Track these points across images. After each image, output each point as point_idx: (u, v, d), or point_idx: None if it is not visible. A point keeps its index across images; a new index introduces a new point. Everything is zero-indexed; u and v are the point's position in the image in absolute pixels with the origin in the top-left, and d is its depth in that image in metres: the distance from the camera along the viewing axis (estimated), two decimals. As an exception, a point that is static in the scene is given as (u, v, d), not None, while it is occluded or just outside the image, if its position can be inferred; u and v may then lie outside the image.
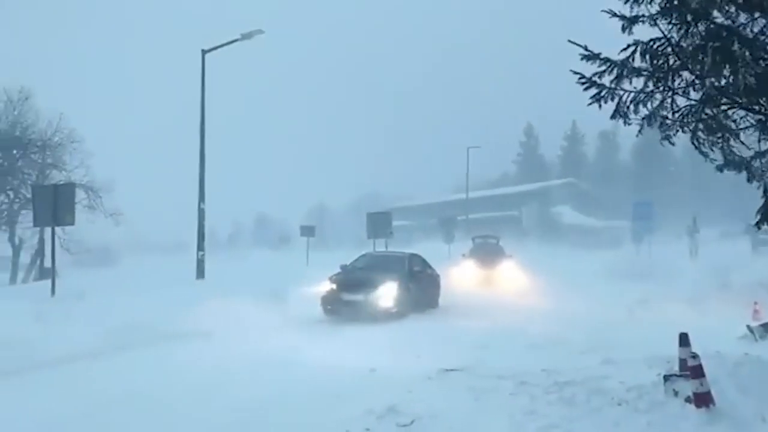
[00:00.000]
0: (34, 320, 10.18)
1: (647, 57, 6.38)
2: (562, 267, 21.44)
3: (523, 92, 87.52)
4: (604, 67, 6.52)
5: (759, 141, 7.03)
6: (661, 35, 6.34)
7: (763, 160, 7.13)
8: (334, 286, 14.05)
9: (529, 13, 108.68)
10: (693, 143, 6.94)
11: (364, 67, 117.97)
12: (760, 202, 6.93)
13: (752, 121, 6.81)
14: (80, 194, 23.43)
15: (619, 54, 6.46)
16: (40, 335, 9.34)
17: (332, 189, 75.97)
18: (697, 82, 6.47)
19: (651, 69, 6.44)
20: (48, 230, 17.02)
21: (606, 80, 6.58)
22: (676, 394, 5.54)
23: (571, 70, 6.61)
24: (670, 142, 7.14)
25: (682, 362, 5.94)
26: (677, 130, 6.91)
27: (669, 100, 6.70)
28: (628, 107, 6.71)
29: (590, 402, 6.00)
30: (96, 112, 65.66)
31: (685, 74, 6.48)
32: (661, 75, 6.48)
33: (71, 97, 51.95)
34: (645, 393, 6.01)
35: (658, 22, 6.36)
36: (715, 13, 6.18)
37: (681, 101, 6.72)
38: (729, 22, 6.22)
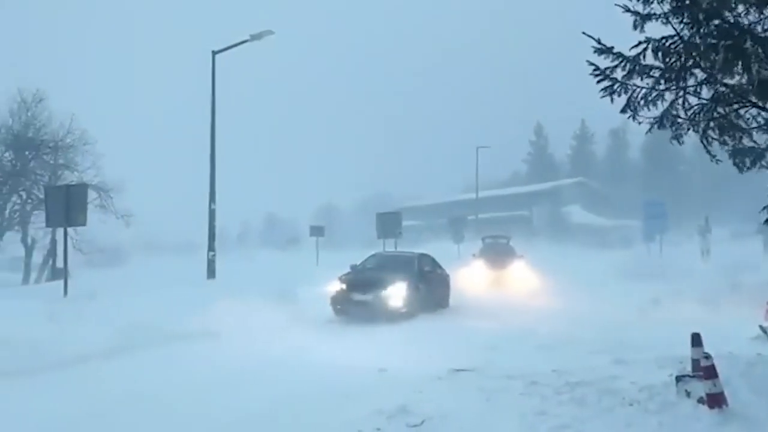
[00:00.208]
0: (47, 320, 10.25)
1: (659, 54, 6.36)
2: (572, 267, 21.35)
3: (533, 91, 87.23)
4: (616, 62, 6.50)
5: None
6: (673, 33, 6.32)
7: None
8: (343, 286, 14.07)
9: (538, 12, 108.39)
10: (702, 142, 6.90)
11: (373, 67, 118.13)
12: None
13: (764, 119, 6.77)
14: (92, 194, 23.56)
15: (630, 50, 6.44)
16: (52, 335, 9.41)
17: (341, 189, 76.08)
18: (709, 80, 6.44)
19: (663, 67, 6.41)
20: (60, 230, 17.13)
21: (618, 74, 6.57)
22: (688, 394, 5.51)
23: (587, 61, 6.58)
24: (679, 142, 7.10)
25: (695, 363, 5.90)
26: (688, 129, 6.87)
27: (680, 99, 6.68)
28: (638, 102, 6.69)
29: (601, 402, 5.98)
30: (106, 113, 66.10)
31: (697, 72, 6.45)
32: (673, 73, 6.45)
33: (82, 97, 52.27)
34: (657, 393, 5.98)
35: (670, 20, 6.33)
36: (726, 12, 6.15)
37: (692, 100, 6.69)
38: (739, 20, 6.18)
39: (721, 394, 5.05)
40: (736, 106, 6.61)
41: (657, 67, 6.40)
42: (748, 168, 7.24)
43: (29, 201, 27.76)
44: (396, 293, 13.67)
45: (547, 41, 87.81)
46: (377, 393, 6.67)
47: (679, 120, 6.81)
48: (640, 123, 6.88)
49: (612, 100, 6.69)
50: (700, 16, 6.06)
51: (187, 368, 8.46)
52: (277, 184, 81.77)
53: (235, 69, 21.75)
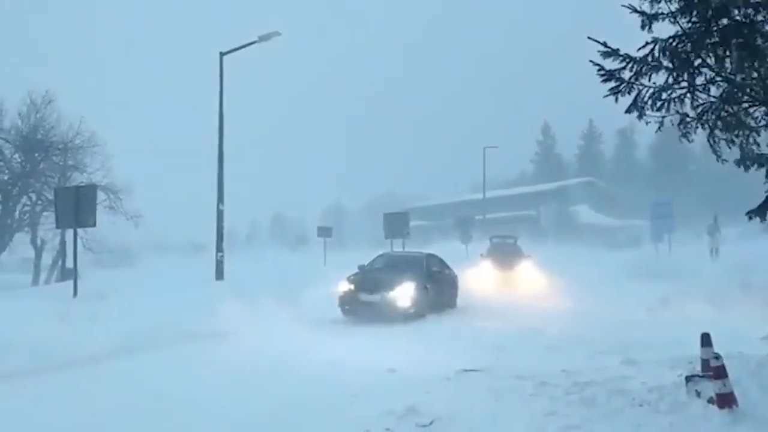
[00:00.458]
0: (58, 321, 10.33)
1: (667, 54, 6.34)
2: (580, 267, 21.27)
3: (540, 91, 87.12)
4: (623, 64, 6.49)
5: None
6: (680, 32, 6.30)
7: None
8: (351, 287, 14.08)
9: (545, 11, 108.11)
10: (709, 141, 6.87)
11: (380, 67, 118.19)
12: None
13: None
14: (101, 196, 23.68)
15: (638, 51, 6.43)
16: (63, 336, 9.48)
17: (349, 189, 76.25)
18: (717, 79, 6.42)
19: (671, 66, 6.40)
20: (69, 231, 17.25)
21: (625, 76, 6.55)
22: (698, 394, 5.49)
23: (590, 61, 6.58)
24: (688, 140, 7.08)
25: (705, 363, 5.88)
26: (696, 128, 6.85)
27: (689, 97, 6.65)
28: (645, 102, 6.67)
29: (611, 403, 5.96)
30: (114, 114, 66.48)
31: (705, 71, 6.43)
32: (681, 72, 6.44)
33: (91, 99, 52.67)
34: (667, 394, 5.95)
35: (677, 19, 6.31)
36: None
37: (700, 98, 6.67)
38: (748, 19, 6.16)
39: (731, 394, 5.03)
40: (745, 105, 6.58)
41: (665, 67, 6.38)
42: (756, 168, 7.21)
43: (39, 202, 27.94)
44: (404, 293, 13.67)
45: (555, 41, 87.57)
46: (386, 393, 6.68)
47: (687, 119, 6.79)
48: (648, 123, 6.86)
49: (617, 99, 6.67)
50: (709, 14, 6.04)
51: (196, 368, 8.52)
52: (285, 184, 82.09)
53: (243, 69, 21.80)
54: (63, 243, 25.48)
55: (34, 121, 28.19)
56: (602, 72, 6.54)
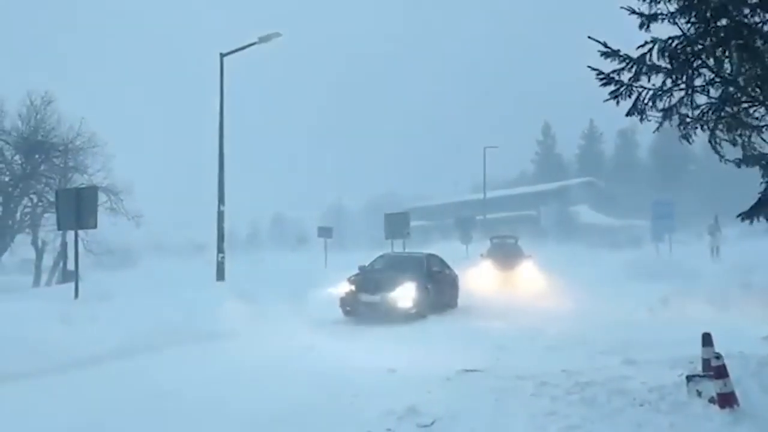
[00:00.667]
0: (59, 322, 10.31)
1: (666, 55, 6.34)
2: (580, 267, 21.30)
3: (541, 91, 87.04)
4: (622, 65, 6.49)
5: None
6: (679, 33, 6.31)
7: None
8: (352, 287, 14.10)
9: (546, 12, 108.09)
10: (710, 142, 6.88)
11: (381, 66, 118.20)
12: None
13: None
14: (101, 197, 23.67)
15: (636, 50, 6.43)
16: (64, 337, 9.47)
17: (349, 189, 76.24)
18: (716, 79, 6.42)
19: (670, 67, 6.40)
20: (70, 233, 17.24)
21: (624, 77, 6.55)
22: (699, 394, 5.50)
23: (588, 66, 6.59)
24: (688, 141, 7.09)
25: (705, 362, 5.90)
26: (696, 128, 6.85)
27: (688, 98, 6.66)
28: (645, 104, 6.67)
29: (612, 403, 5.97)
30: (114, 115, 66.47)
31: (705, 72, 6.44)
32: (680, 73, 6.44)
33: (91, 100, 52.68)
34: (667, 394, 5.97)
35: (676, 20, 6.32)
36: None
37: (700, 99, 6.67)
38: (747, 20, 6.17)
39: (732, 393, 5.05)
40: (745, 105, 6.59)
41: (664, 68, 6.39)
42: (755, 167, 7.21)
43: (40, 204, 27.91)
44: (405, 294, 13.69)
45: (555, 40, 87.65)
46: (387, 393, 6.69)
47: (688, 120, 6.79)
48: (649, 120, 6.86)
49: (617, 102, 6.68)
50: (708, 15, 6.05)
51: (198, 368, 8.54)
52: (285, 184, 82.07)
53: (244, 69, 21.81)
54: (64, 245, 25.49)
55: (34, 122, 28.17)
56: (601, 76, 6.55)
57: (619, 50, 6.47)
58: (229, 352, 9.70)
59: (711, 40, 6.04)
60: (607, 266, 21.67)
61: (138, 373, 8.31)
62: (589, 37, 6.52)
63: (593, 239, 38.67)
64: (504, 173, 64.11)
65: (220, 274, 17.68)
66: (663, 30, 6.38)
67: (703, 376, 5.71)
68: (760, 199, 6.62)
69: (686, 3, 6.15)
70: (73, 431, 5.84)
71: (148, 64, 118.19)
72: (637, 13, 6.42)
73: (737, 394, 5.06)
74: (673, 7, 6.30)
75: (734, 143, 6.87)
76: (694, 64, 6.30)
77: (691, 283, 15.93)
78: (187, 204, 54.61)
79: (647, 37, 6.37)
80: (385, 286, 13.76)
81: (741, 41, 5.76)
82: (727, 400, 5.02)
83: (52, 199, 22.41)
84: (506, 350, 9.60)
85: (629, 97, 6.65)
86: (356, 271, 15.20)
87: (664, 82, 6.49)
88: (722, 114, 6.63)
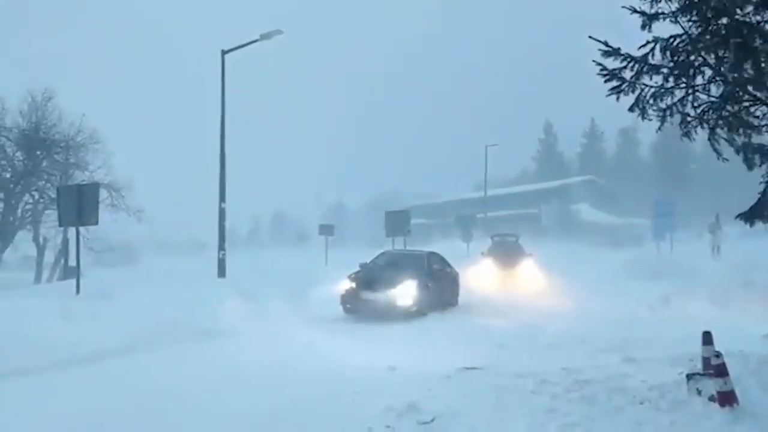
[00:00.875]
0: (60, 319, 10.34)
1: (667, 53, 6.35)
2: (581, 265, 21.29)
3: (542, 89, 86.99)
4: (624, 64, 6.50)
5: None
6: (681, 32, 6.31)
7: None
8: (353, 285, 14.11)
9: (547, 10, 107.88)
10: (710, 141, 6.88)
11: (381, 65, 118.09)
12: None
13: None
14: (103, 194, 23.67)
15: (638, 50, 6.44)
16: (66, 333, 9.49)
17: (350, 187, 76.29)
18: (717, 78, 6.43)
19: (671, 65, 6.41)
20: (71, 229, 17.25)
21: (626, 75, 6.56)
22: (699, 392, 5.51)
23: (593, 61, 6.59)
24: (690, 138, 7.09)
25: (706, 361, 5.90)
26: (697, 126, 6.86)
27: (690, 97, 6.66)
28: (647, 102, 6.68)
29: (611, 401, 5.98)
30: (115, 111, 66.41)
31: (706, 71, 6.44)
32: (682, 71, 6.44)
33: (92, 96, 52.64)
34: (667, 392, 5.98)
35: (678, 18, 6.32)
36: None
37: (701, 98, 6.67)
38: (747, 19, 6.17)
39: (732, 392, 5.05)
40: (746, 103, 6.59)
41: (665, 66, 6.39)
42: (759, 165, 7.20)
43: (41, 200, 27.94)
44: (405, 292, 13.70)
45: (557, 39, 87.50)
46: (387, 391, 6.70)
47: (689, 118, 6.80)
48: (650, 119, 6.86)
49: (618, 98, 6.69)
50: (709, 14, 6.05)
51: (199, 365, 8.55)
52: (286, 182, 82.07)
53: (245, 67, 21.81)
54: (65, 241, 25.51)
55: (35, 119, 28.17)
56: (604, 72, 6.56)
57: (619, 49, 6.48)
58: (230, 349, 9.71)
59: (712, 38, 6.04)
60: (607, 264, 21.68)
61: (139, 370, 8.32)
62: (590, 37, 6.54)
63: (594, 237, 38.66)
64: (505, 171, 64.20)
65: (221, 272, 17.71)
66: (664, 30, 6.40)
67: (703, 375, 5.72)
68: (759, 199, 6.62)
69: (687, 1, 6.16)
70: (74, 428, 5.84)
71: (150, 61, 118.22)
72: (639, 12, 6.42)
73: (737, 392, 5.07)
74: (674, 6, 6.31)
75: (734, 142, 6.87)
76: (696, 63, 6.30)
77: (692, 282, 15.94)
78: (189, 201, 54.69)
79: (649, 37, 6.39)
80: (385, 284, 13.76)
81: (740, 40, 5.76)
82: (727, 398, 5.03)
83: (54, 195, 22.41)
84: (506, 348, 9.61)
85: (632, 92, 6.66)
86: (357, 268, 15.20)
87: (666, 80, 6.50)
88: (723, 113, 6.63)
